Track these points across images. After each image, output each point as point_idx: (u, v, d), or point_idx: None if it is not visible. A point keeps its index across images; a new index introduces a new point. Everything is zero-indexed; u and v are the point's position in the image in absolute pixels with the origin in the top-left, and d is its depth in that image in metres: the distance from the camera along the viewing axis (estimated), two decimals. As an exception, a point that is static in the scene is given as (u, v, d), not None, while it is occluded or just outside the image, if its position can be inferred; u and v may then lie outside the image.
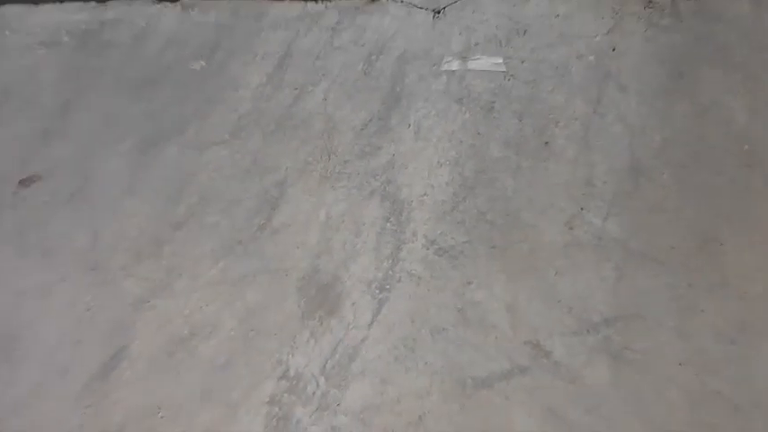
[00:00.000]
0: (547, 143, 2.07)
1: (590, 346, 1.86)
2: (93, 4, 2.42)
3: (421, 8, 2.26)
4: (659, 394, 1.88)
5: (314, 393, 1.94)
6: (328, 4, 2.38)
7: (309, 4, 2.35)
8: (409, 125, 2.13)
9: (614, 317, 1.92)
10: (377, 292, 1.97)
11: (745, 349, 1.99)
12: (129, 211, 2.17)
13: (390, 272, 2.03)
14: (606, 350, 1.89)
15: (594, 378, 1.87)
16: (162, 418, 2.00)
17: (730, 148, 2.03)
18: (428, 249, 2.08)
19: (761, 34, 2.19)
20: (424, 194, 2.05)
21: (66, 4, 2.43)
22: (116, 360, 2.13)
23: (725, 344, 1.96)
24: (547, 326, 1.87)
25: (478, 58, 2.14)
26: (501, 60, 2.12)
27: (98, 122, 2.34)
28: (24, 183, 2.21)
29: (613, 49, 2.13)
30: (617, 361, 1.83)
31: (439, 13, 2.30)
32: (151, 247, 2.14)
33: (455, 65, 2.17)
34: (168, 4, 2.45)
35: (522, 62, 2.14)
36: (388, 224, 2.02)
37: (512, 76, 2.11)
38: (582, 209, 2.03)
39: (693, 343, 1.92)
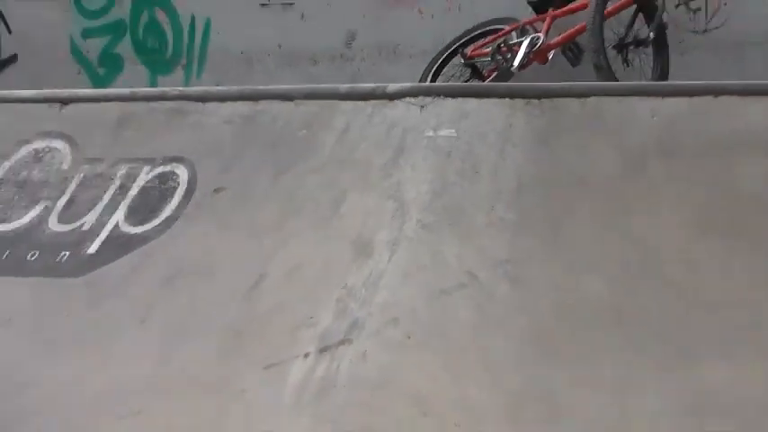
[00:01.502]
0: (477, 172, 2.10)
1: (498, 274, 1.90)
2: (251, 102, 2.44)
3: (414, 105, 2.29)
4: (529, 298, 1.92)
5: (359, 296, 1.96)
6: (367, 102, 2.36)
7: (358, 103, 2.35)
8: (408, 164, 2.17)
9: (509, 260, 1.96)
10: (391, 246, 2.02)
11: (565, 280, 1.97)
12: (266, 207, 2.17)
13: (398, 237, 2.02)
14: (506, 276, 1.92)
15: (499, 292, 1.93)
16: (285, 311, 1.98)
17: (566, 176, 2.07)
18: (417, 225, 2.04)
19: (584, 122, 2.17)
20: (416, 198, 2.07)
21: (238, 103, 2.46)
22: (260, 281, 2.05)
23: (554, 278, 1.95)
24: (477, 264, 1.94)
25: (443, 130, 2.20)
26: (454, 131, 2.16)
27: (251, 164, 2.30)
28: (217, 191, 2.23)
29: (510, 125, 2.18)
30: (512, 282, 1.89)
31: (423, 107, 2.20)
32: (277, 225, 2.15)
33: (431, 133, 2.17)
34: (289, 102, 2.42)
35: (465, 132, 2.17)
36: (397, 213, 2.06)
37: (458, 138, 2.17)
38: (492, 207, 2.07)
39: (538, 273, 1.99)
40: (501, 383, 1.78)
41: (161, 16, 3.96)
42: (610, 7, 3.37)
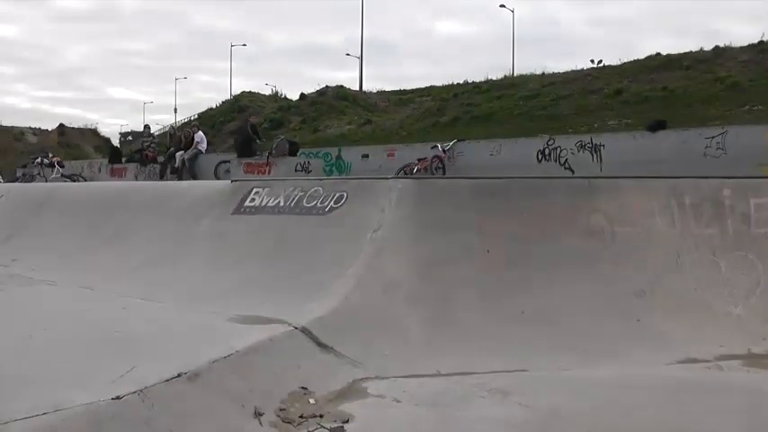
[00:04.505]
0: (404, 195, 4.33)
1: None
2: (358, 180, 4.64)
3: (394, 181, 4.51)
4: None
5: (381, 221, 4.43)
6: (380, 179, 4.64)
7: (381, 180, 4.59)
8: (392, 193, 4.45)
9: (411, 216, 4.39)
10: (389, 209, 4.38)
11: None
12: (358, 200, 4.61)
13: (389, 207, 4.43)
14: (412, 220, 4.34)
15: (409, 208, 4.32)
16: (366, 223, 4.38)
17: (424, 200, 4.32)
18: (393, 206, 4.41)
19: (432, 187, 4.52)
20: (393, 200, 4.41)
21: (355, 180, 4.64)
22: (364, 215, 4.53)
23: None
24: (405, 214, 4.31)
25: (399, 185, 4.32)
26: (401, 185, 4.31)
27: (357, 191, 4.62)
28: (350, 197, 4.51)
29: (410, 187, 4.32)
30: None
31: (395, 180, 4.34)
32: (361, 201, 4.67)
33: (395, 186, 4.34)
34: (366, 180, 4.57)
35: (402, 187, 4.33)
36: (388, 203, 4.42)
37: (401, 188, 4.30)
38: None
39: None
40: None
41: (342, 161, 11.63)
42: (436, 161, 11.82)
